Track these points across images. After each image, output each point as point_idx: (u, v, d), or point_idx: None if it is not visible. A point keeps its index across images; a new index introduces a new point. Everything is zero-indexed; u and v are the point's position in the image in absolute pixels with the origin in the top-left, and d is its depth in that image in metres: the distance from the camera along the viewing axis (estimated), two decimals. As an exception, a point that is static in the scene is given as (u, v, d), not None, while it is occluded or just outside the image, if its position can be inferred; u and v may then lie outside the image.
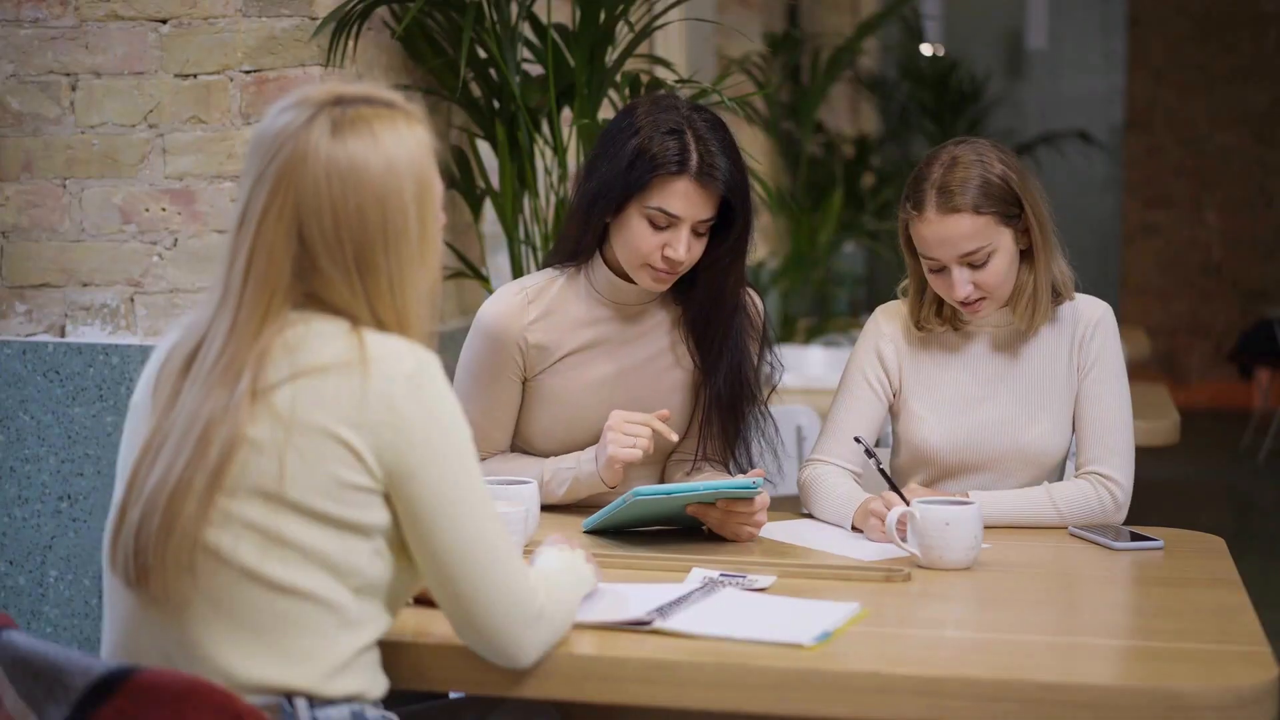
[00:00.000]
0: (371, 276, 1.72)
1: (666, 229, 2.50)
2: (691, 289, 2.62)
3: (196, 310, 1.78)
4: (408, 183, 1.73)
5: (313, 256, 1.71)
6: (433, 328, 1.79)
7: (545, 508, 2.55)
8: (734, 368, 2.62)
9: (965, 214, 2.50)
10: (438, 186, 1.78)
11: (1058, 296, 2.63)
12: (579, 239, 2.61)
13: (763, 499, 2.39)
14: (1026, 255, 2.59)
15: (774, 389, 2.74)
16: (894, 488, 2.39)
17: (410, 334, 1.75)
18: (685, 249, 2.50)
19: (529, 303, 2.62)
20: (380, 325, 1.74)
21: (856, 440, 2.52)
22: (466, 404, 2.58)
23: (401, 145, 1.73)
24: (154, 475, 1.68)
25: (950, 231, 2.51)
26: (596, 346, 2.63)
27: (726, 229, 2.55)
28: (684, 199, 2.48)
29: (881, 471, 2.46)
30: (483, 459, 2.63)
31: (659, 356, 2.66)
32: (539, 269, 2.73)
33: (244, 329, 1.69)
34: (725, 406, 2.62)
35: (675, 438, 2.55)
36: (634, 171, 2.49)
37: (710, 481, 2.35)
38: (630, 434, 2.51)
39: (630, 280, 2.60)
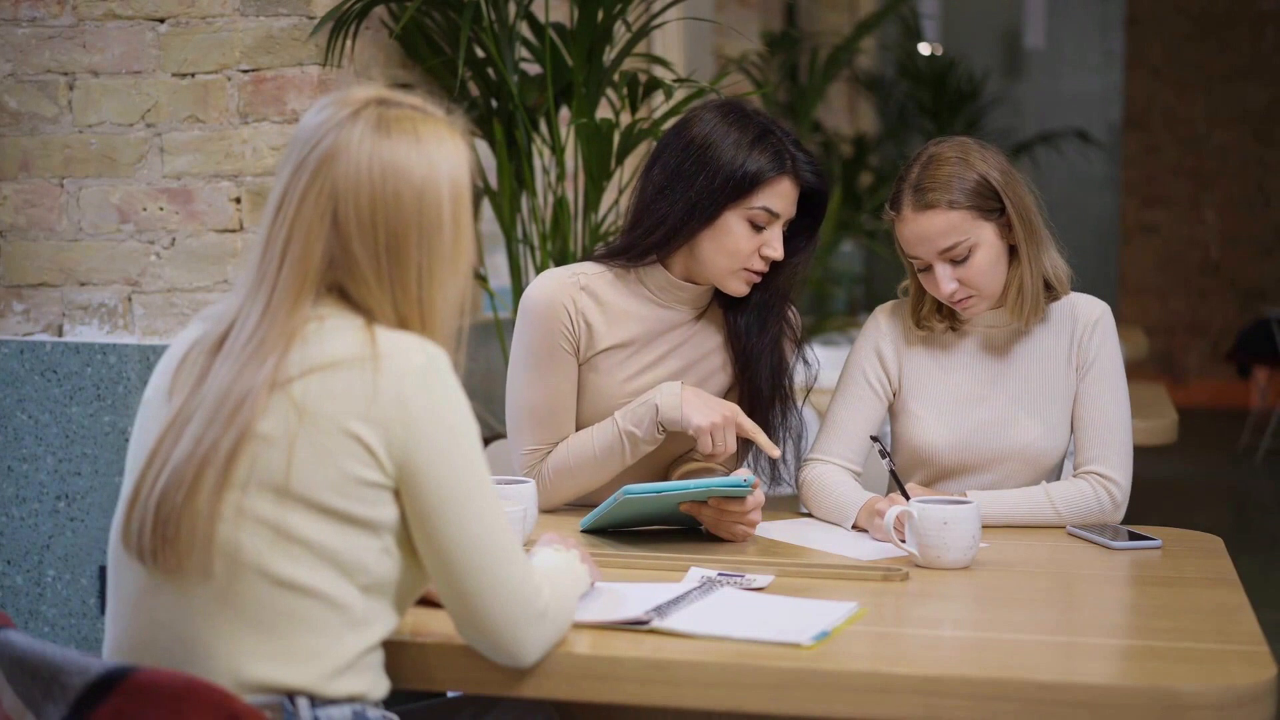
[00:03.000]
0: (401, 267, 1.73)
1: (764, 229, 2.53)
2: (753, 290, 2.62)
3: (223, 302, 1.79)
4: (445, 185, 1.74)
5: (345, 240, 1.71)
6: (463, 323, 1.79)
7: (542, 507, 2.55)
8: (776, 371, 2.63)
9: (939, 210, 2.51)
10: (471, 200, 1.78)
11: (1052, 291, 2.63)
12: (661, 241, 2.58)
13: (756, 498, 2.38)
14: (1015, 251, 2.59)
15: (810, 389, 2.74)
16: (902, 490, 2.39)
17: (433, 335, 1.75)
18: (780, 245, 2.54)
19: (580, 286, 2.62)
20: (402, 322, 1.74)
21: (874, 439, 2.53)
22: (527, 393, 2.58)
23: (443, 149, 1.75)
24: (181, 447, 1.68)
25: (925, 228, 2.52)
26: (638, 347, 2.62)
27: (816, 236, 2.62)
28: (784, 197, 2.54)
29: (892, 473, 2.46)
30: (550, 448, 2.62)
31: (700, 362, 2.66)
32: (579, 262, 2.72)
33: (278, 309, 1.71)
34: (764, 410, 2.63)
35: (776, 452, 2.54)
36: (740, 179, 2.51)
37: (702, 480, 2.35)
38: (723, 440, 2.49)
39: (694, 283, 2.61)
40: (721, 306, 2.68)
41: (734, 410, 2.51)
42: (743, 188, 2.51)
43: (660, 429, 2.54)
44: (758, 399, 2.63)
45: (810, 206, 2.61)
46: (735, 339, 2.64)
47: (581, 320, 2.60)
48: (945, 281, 2.54)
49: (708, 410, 2.50)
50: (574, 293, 2.60)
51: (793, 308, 2.71)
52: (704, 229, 2.54)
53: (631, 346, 2.62)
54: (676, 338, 2.64)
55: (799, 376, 2.73)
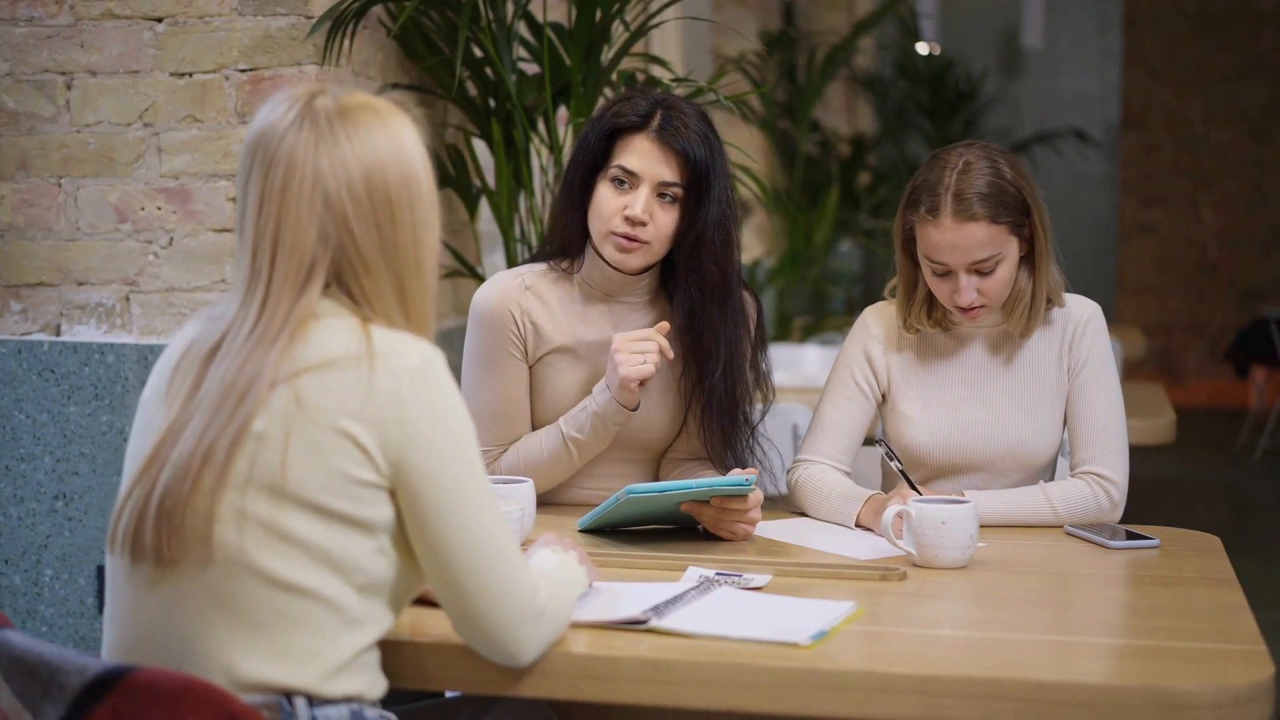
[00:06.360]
0: (396, 230, 1.75)
1: (629, 191, 2.53)
2: (679, 283, 2.61)
3: (221, 304, 1.79)
4: (415, 151, 1.79)
5: (341, 218, 1.73)
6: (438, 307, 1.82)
7: (543, 505, 2.55)
8: (729, 365, 2.60)
9: (982, 222, 2.50)
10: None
11: (1049, 303, 2.63)
12: (565, 228, 2.63)
13: (756, 496, 2.39)
14: (1026, 261, 2.59)
15: (772, 390, 2.72)
16: (913, 487, 2.41)
17: (429, 293, 1.78)
18: (643, 206, 2.51)
19: (525, 287, 2.63)
20: (400, 289, 1.76)
21: (878, 442, 2.53)
22: (478, 394, 2.60)
23: (402, 124, 1.79)
24: (182, 445, 1.69)
25: (966, 239, 2.50)
26: (586, 346, 2.63)
27: (703, 207, 2.54)
28: (641, 155, 2.52)
29: (903, 474, 2.46)
30: (504, 448, 2.64)
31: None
32: (529, 263, 2.74)
33: (278, 300, 1.72)
34: (721, 404, 2.61)
35: (671, 355, 2.54)
36: (600, 140, 2.55)
37: (704, 479, 2.35)
38: (637, 350, 2.51)
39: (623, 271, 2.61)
40: (667, 302, 2.66)
41: (618, 342, 2.52)
42: (600, 150, 2.55)
43: (605, 425, 2.56)
44: (711, 393, 2.60)
45: (707, 190, 2.54)
46: (683, 333, 2.60)
47: (528, 321, 2.62)
48: (967, 291, 2.52)
49: (611, 373, 2.53)
50: (519, 295, 2.62)
51: (752, 297, 2.69)
52: (588, 205, 2.57)
53: (578, 348, 2.63)
54: (627, 330, 2.63)
55: (782, 378, 2.72)
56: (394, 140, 1.76)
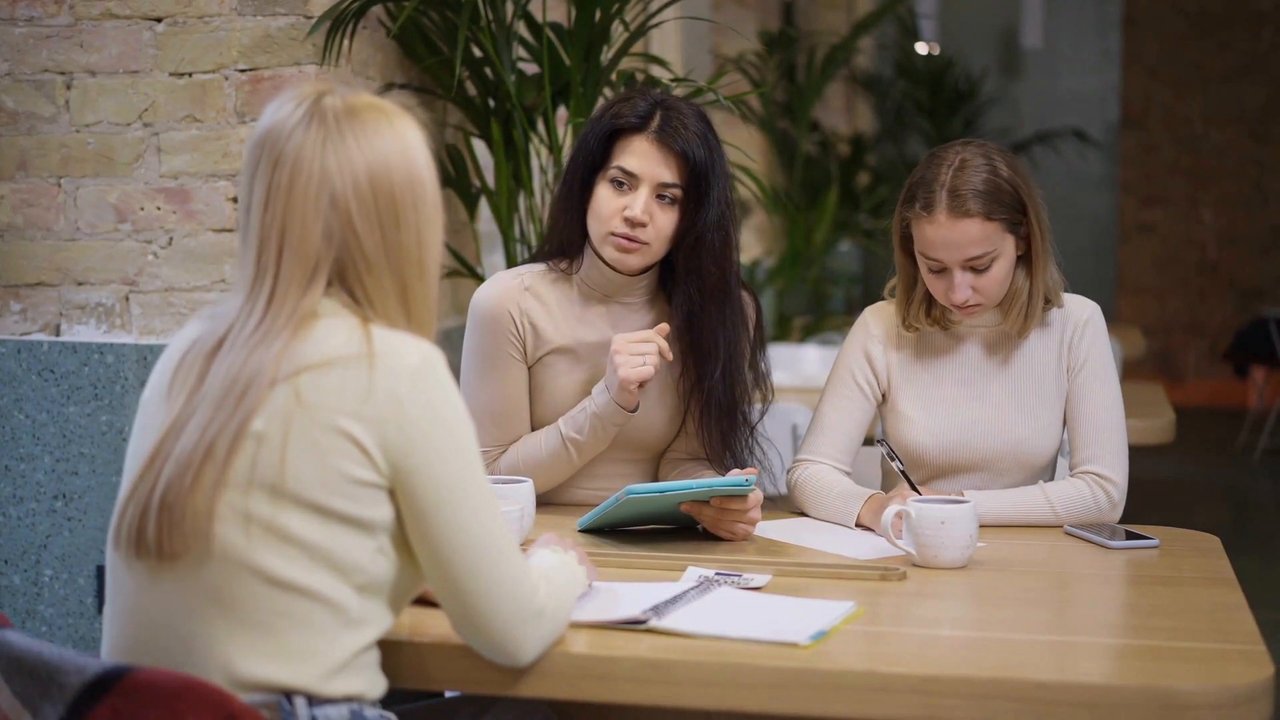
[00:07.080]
0: (400, 230, 1.76)
1: (628, 192, 2.53)
2: (678, 283, 2.61)
3: (223, 303, 1.80)
4: (420, 153, 1.79)
5: (346, 216, 1.73)
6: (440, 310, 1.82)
7: (543, 505, 2.55)
8: (728, 365, 2.60)
9: (976, 219, 2.50)
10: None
11: (1047, 303, 2.63)
12: (565, 228, 2.63)
13: (756, 496, 2.39)
14: (1023, 260, 2.59)
15: (772, 390, 2.73)
16: (914, 488, 2.41)
17: (431, 292, 1.79)
18: (643, 208, 2.51)
19: (524, 287, 2.64)
20: (403, 290, 1.76)
21: (879, 442, 2.53)
22: (477, 395, 2.60)
23: (409, 125, 1.80)
24: (184, 441, 1.69)
25: (960, 236, 2.50)
26: (585, 347, 2.63)
27: (702, 208, 2.55)
28: (640, 156, 2.52)
29: (903, 474, 2.46)
30: (503, 449, 2.64)
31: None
32: (528, 263, 2.74)
33: (284, 296, 1.72)
34: (720, 405, 2.61)
35: (670, 357, 2.55)
36: (600, 140, 2.55)
37: (704, 479, 2.35)
38: (637, 352, 2.51)
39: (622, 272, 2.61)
40: (666, 303, 2.66)
41: (617, 344, 2.51)
42: (599, 151, 2.55)
43: (604, 427, 2.56)
44: (709, 393, 2.60)
45: (706, 191, 2.54)
46: (682, 332, 2.61)
47: (527, 322, 2.62)
48: (961, 289, 2.53)
49: (610, 374, 2.53)
50: (518, 295, 2.63)
51: (751, 297, 2.69)
52: (588, 205, 2.57)
53: (578, 349, 2.63)
54: (625, 330, 2.63)
55: (778, 377, 2.72)
56: (400, 142, 1.77)
